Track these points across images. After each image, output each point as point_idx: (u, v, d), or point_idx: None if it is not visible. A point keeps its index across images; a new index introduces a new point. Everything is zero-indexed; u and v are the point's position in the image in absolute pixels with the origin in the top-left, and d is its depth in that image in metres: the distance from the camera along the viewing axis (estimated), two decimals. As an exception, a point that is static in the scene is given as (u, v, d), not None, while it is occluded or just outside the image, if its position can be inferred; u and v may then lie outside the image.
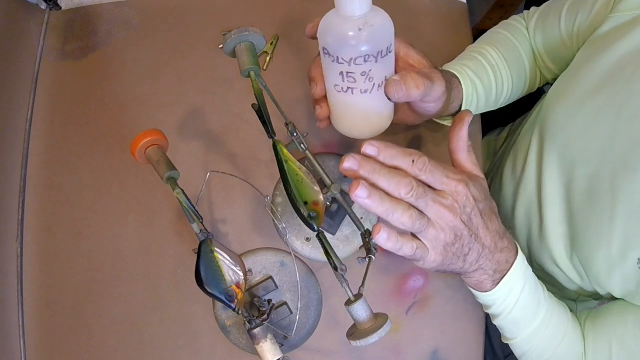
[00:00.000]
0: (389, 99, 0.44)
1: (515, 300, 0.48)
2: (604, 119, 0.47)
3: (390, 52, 0.42)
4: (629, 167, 0.45)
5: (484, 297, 0.49)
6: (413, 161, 0.40)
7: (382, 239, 0.39)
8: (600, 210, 0.48)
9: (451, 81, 0.52)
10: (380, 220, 0.44)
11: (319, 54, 0.45)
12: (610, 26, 0.49)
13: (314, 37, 0.44)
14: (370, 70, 0.41)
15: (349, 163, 0.39)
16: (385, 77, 0.43)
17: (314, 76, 0.46)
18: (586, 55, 0.52)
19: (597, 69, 0.49)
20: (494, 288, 0.47)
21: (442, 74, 0.48)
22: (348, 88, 0.42)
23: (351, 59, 0.40)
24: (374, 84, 0.42)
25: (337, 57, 0.40)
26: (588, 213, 0.49)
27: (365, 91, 0.42)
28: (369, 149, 0.40)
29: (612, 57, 0.47)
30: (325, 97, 0.47)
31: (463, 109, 0.54)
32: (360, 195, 0.38)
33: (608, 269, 0.48)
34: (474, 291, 0.50)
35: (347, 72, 0.41)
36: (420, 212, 0.41)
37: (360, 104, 0.44)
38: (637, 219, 0.45)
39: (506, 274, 0.47)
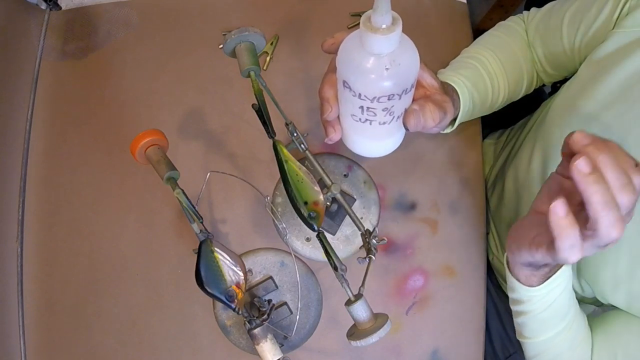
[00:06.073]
0: (406, 128, 0.42)
1: (552, 300, 0.48)
2: (612, 139, 0.47)
3: (413, 87, 0.40)
4: None
5: (524, 292, 0.48)
6: (637, 165, 0.35)
7: (561, 210, 0.34)
8: None
9: (452, 97, 0.51)
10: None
11: (330, 71, 0.43)
12: (615, 43, 0.49)
13: (330, 53, 0.42)
14: (393, 106, 0.39)
15: (583, 135, 0.35)
16: (405, 108, 0.42)
17: (327, 97, 0.42)
18: (591, 72, 0.51)
19: (603, 88, 0.48)
20: (540, 284, 0.46)
21: (445, 92, 0.47)
22: (366, 119, 0.41)
23: (374, 97, 0.38)
24: (394, 117, 0.41)
25: (359, 94, 0.38)
26: None
27: (384, 123, 0.41)
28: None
29: (618, 77, 0.47)
30: (338, 118, 0.45)
31: (458, 120, 0.54)
32: (581, 167, 0.33)
33: (614, 285, 0.49)
34: (514, 284, 0.48)
35: (368, 108, 0.39)
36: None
37: (376, 132, 0.43)
38: None
39: (556, 272, 0.46)
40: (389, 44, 0.35)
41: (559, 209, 0.34)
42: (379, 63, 0.36)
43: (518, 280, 0.48)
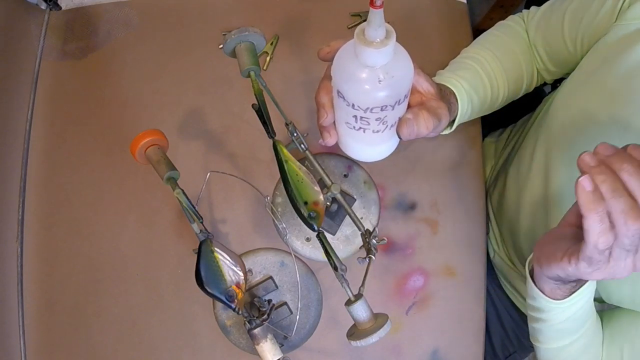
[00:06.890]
0: (400, 137, 0.43)
1: (572, 312, 0.48)
2: (614, 131, 0.47)
3: (406, 98, 0.40)
4: None
5: (546, 303, 0.48)
6: None
7: (586, 187, 0.34)
8: None
9: (450, 100, 0.51)
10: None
11: (326, 78, 0.43)
12: (617, 36, 0.49)
13: (326, 61, 0.42)
14: (386, 116, 0.40)
15: (603, 147, 0.35)
16: (399, 117, 0.42)
17: (323, 103, 0.43)
18: (593, 66, 0.51)
19: (605, 82, 0.49)
20: (565, 298, 0.47)
21: (442, 97, 0.47)
22: (360, 127, 0.41)
23: (367, 108, 0.38)
24: (387, 126, 0.41)
25: (353, 104, 0.39)
26: None
27: (378, 131, 0.41)
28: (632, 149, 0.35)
29: (619, 69, 0.47)
30: (334, 123, 0.45)
31: (456, 122, 0.54)
32: (584, 185, 0.34)
33: (618, 281, 0.48)
34: (536, 294, 0.48)
35: (362, 117, 0.40)
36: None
37: (371, 139, 0.43)
38: None
39: (582, 285, 0.46)
40: (383, 57, 0.35)
41: (585, 184, 0.34)
42: (372, 75, 0.36)
43: (542, 292, 0.47)
